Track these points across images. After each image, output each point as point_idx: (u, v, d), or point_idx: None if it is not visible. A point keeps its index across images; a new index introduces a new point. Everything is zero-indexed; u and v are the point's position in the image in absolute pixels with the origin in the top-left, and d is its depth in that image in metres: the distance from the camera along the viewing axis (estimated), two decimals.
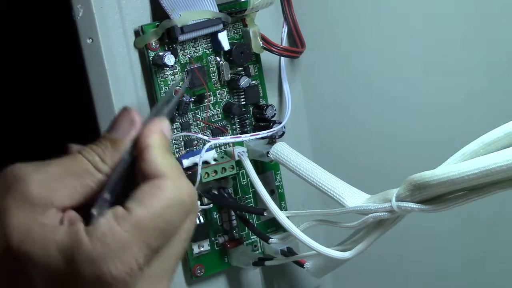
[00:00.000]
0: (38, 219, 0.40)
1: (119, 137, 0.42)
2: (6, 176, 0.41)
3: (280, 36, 0.61)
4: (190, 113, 0.57)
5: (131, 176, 0.41)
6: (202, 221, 0.58)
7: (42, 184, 0.41)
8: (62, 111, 0.70)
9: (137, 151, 0.42)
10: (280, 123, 0.59)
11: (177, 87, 0.56)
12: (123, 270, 0.39)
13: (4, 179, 0.41)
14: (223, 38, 0.57)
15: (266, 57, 0.60)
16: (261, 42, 0.58)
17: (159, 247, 0.41)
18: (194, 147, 0.58)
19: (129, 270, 0.39)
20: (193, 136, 0.57)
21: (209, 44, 0.58)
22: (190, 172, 0.55)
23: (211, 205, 0.58)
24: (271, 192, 0.61)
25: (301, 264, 0.58)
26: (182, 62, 0.57)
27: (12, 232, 0.40)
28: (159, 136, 0.43)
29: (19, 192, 0.40)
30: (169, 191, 0.41)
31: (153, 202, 0.40)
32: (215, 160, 0.57)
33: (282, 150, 0.56)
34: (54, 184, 0.41)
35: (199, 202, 0.57)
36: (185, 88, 0.56)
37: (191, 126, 0.58)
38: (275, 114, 0.60)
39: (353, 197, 0.52)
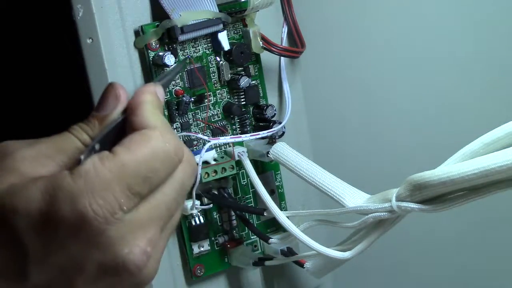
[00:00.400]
0: (23, 181, 0.40)
1: (106, 114, 0.43)
2: None
3: (280, 36, 0.61)
4: (190, 113, 0.57)
5: (122, 136, 0.42)
6: (202, 221, 0.58)
7: (31, 159, 0.41)
8: (62, 111, 0.70)
9: (129, 108, 0.43)
10: (280, 123, 0.59)
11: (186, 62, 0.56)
12: (104, 207, 0.39)
13: None
14: (223, 38, 0.57)
15: (266, 57, 0.60)
16: (261, 42, 0.58)
17: (143, 193, 0.41)
18: (194, 147, 0.58)
19: (111, 208, 0.39)
20: (193, 136, 0.57)
21: (209, 44, 0.58)
22: None
23: (211, 205, 0.58)
24: (271, 192, 0.61)
25: (301, 264, 0.58)
26: None
27: None
28: (151, 95, 0.44)
29: (8, 166, 0.41)
30: (156, 141, 0.41)
31: (138, 149, 0.41)
32: (215, 160, 0.57)
33: (282, 150, 0.56)
34: (43, 160, 0.41)
35: (199, 202, 0.57)
36: (184, 66, 0.56)
37: (191, 126, 0.58)
38: (275, 114, 0.60)
39: (353, 197, 0.52)
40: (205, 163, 0.56)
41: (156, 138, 0.41)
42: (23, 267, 0.40)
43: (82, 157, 0.40)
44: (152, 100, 0.44)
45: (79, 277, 0.40)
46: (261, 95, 0.60)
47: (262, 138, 0.58)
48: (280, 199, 0.62)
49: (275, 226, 0.61)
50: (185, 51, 0.57)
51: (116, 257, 0.40)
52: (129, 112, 0.43)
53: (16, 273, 0.40)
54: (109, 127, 0.42)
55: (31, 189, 0.39)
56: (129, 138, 0.41)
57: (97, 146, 0.41)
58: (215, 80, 0.58)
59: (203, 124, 0.58)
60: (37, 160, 0.41)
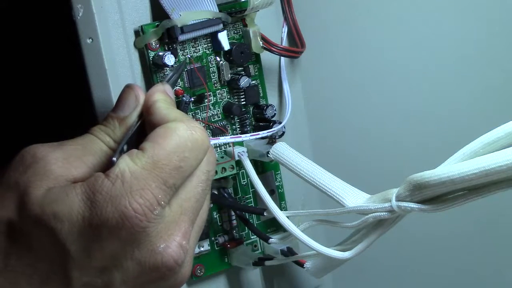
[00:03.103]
0: (60, 186, 0.41)
1: (126, 114, 0.44)
2: (25, 156, 0.42)
3: (280, 36, 0.61)
4: (190, 113, 0.57)
5: (141, 138, 0.43)
6: None
7: (63, 161, 0.42)
8: (62, 111, 0.70)
9: (144, 111, 0.44)
10: (280, 123, 0.59)
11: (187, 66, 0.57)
12: (144, 204, 0.40)
13: (23, 159, 0.42)
14: (223, 38, 0.57)
15: (266, 57, 0.60)
16: (261, 42, 0.58)
17: (176, 185, 0.41)
18: None
19: (150, 205, 0.40)
20: None
21: (209, 44, 0.58)
22: None
23: (211, 205, 0.58)
24: (271, 192, 0.61)
25: (301, 264, 0.58)
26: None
27: (33, 201, 0.40)
28: (162, 94, 0.45)
29: (42, 169, 0.41)
30: (182, 131, 0.42)
31: (166, 141, 0.41)
32: None
33: (282, 150, 0.56)
34: (74, 161, 0.42)
35: None
36: (185, 64, 0.56)
37: None
38: (275, 114, 0.60)
39: (353, 197, 0.52)
40: None
41: (180, 128, 0.42)
42: (66, 271, 0.41)
43: (114, 158, 0.41)
44: (164, 98, 0.45)
45: (119, 277, 0.41)
46: (261, 95, 0.60)
47: (262, 138, 0.58)
48: (280, 199, 0.62)
49: (275, 226, 0.61)
50: (185, 51, 0.57)
51: (155, 253, 0.41)
52: (145, 114, 0.44)
53: (61, 278, 0.41)
54: (132, 129, 0.43)
55: (71, 195, 0.40)
56: (153, 133, 0.42)
57: (125, 148, 0.42)
58: (215, 80, 0.58)
59: (203, 124, 0.58)
60: (69, 162, 0.42)
